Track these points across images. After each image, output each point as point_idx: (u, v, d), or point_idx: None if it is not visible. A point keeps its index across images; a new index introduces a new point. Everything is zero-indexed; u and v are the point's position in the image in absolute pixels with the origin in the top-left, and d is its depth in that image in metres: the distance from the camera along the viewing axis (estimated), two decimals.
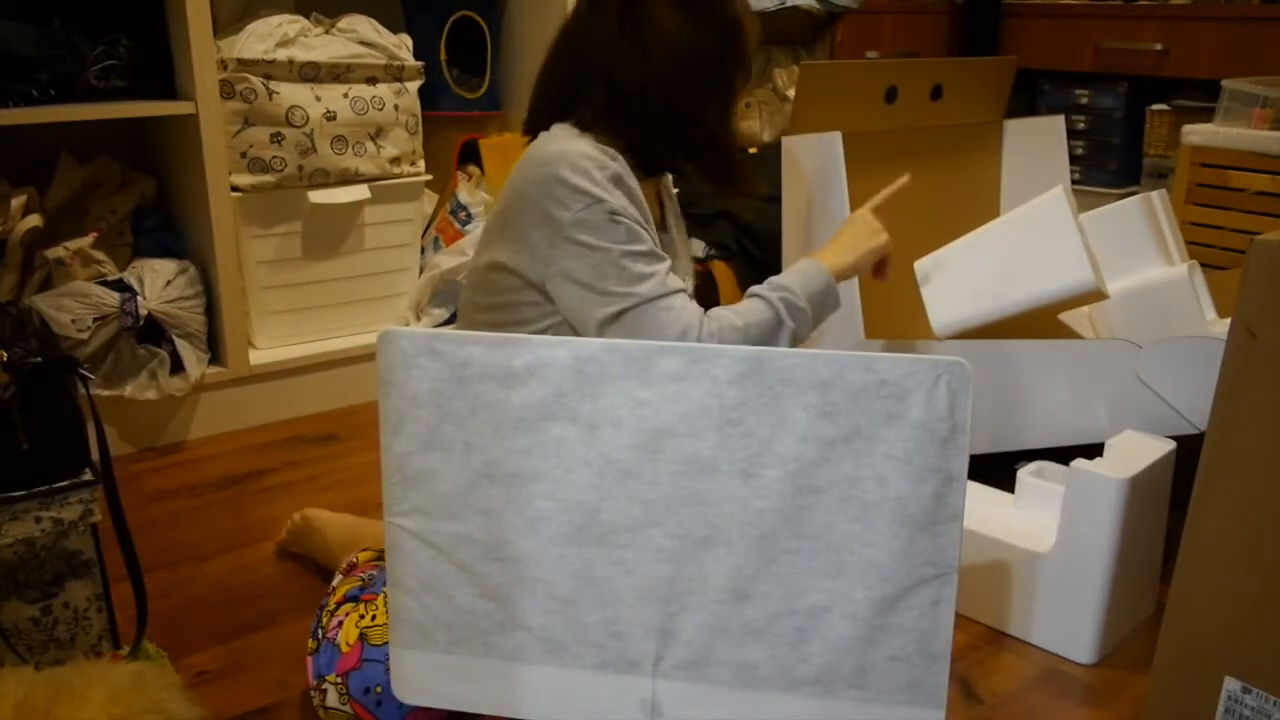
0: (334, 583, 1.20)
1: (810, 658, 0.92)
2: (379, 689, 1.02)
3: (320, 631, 1.11)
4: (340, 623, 1.10)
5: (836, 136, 1.54)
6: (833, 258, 1.23)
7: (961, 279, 1.50)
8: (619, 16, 1.15)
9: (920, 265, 1.54)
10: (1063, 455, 1.32)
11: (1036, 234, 1.44)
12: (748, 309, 1.15)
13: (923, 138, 1.83)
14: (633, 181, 1.13)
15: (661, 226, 1.29)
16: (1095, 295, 1.44)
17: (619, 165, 1.12)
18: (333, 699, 1.05)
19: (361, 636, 1.06)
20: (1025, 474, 1.36)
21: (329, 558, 1.39)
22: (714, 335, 1.10)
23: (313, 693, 1.08)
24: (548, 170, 1.10)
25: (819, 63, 1.85)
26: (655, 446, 0.90)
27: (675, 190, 1.38)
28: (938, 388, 0.85)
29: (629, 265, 1.09)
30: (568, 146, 1.11)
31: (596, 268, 1.09)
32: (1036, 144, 1.93)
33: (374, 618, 1.08)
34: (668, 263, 1.13)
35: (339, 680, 1.05)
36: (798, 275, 1.19)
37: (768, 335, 1.14)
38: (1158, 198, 1.66)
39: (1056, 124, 1.92)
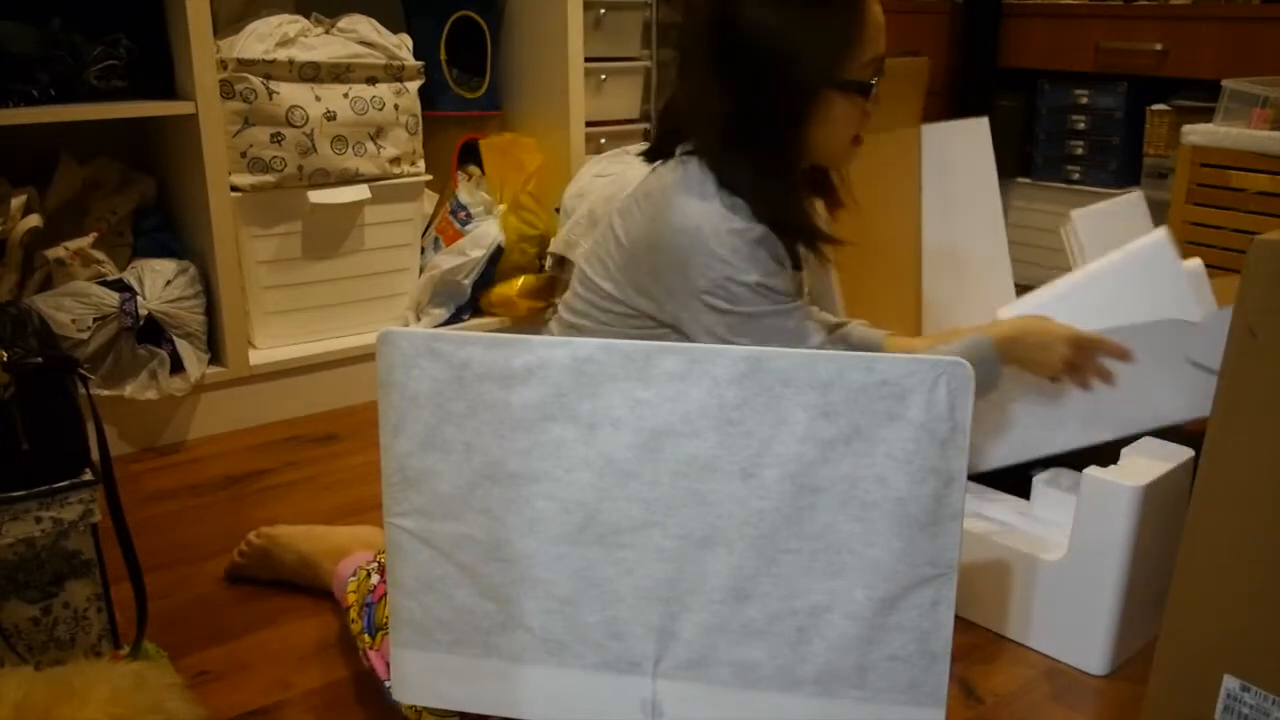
0: (371, 582, 1.18)
1: (810, 657, 0.92)
2: None
3: (384, 624, 1.09)
4: None
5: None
6: (1008, 345, 1.19)
7: None
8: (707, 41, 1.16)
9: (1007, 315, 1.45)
10: (1079, 463, 1.31)
11: (1143, 284, 1.37)
12: None
13: None
14: (771, 237, 1.14)
15: (796, 265, 1.27)
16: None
17: (757, 230, 1.13)
18: None
19: None
20: (1041, 481, 1.35)
21: (306, 571, 1.36)
22: None
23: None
24: (699, 235, 1.12)
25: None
26: (655, 446, 0.90)
27: None
28: (938, 388, 0.85)
29: (771, 322, 1.13)
30: (713, 214, 1.12)
31: (734, 327, 1.13)
32: (961, 148, 1.84)
33: None
34: (801, 305, 1.16)
35: None
36: (963, 345, 1.17)
37: None
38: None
39: (981, 126, 1.83)
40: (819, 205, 1.28)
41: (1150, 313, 1.33)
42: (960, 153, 1.83)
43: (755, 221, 1.14)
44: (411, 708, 1.05)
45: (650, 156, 1.26)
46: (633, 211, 1.21)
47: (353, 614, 1.18)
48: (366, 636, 1.13)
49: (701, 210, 1.13)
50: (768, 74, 1.12)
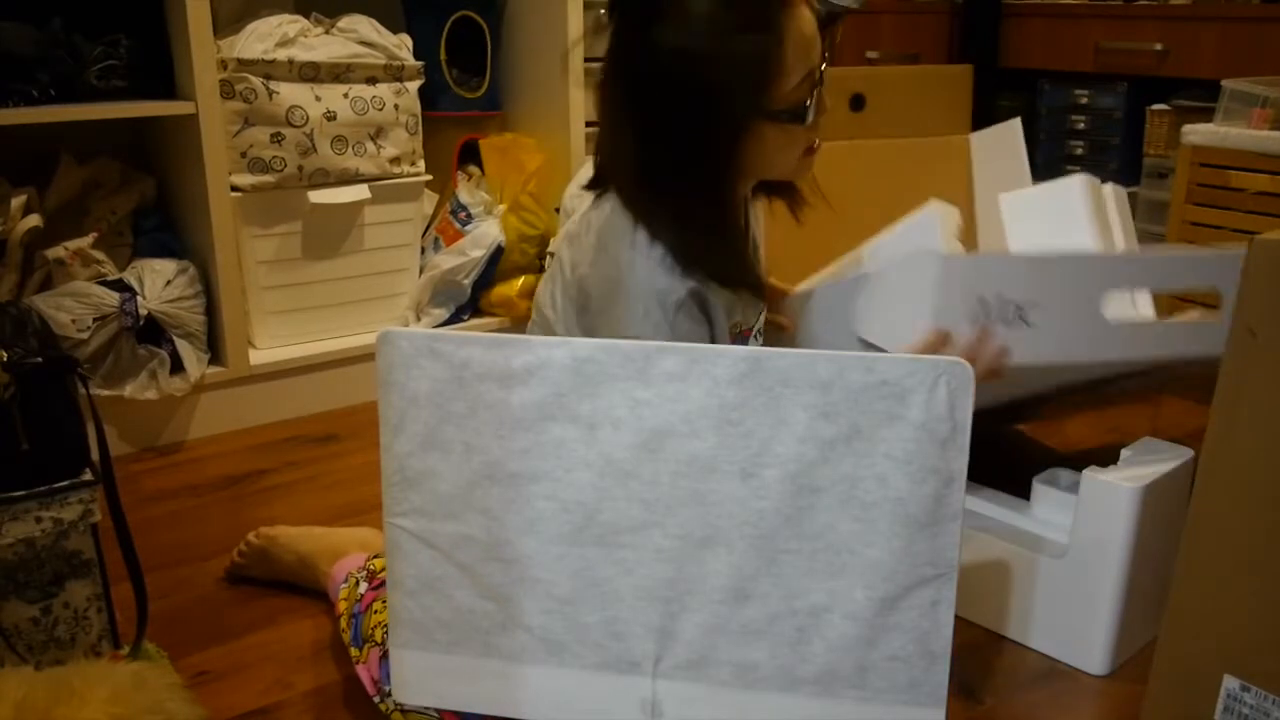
0: (359, 591, 1.18)
1: (810, 658, 0.92)
2: None
3: (370, 635, 1.10)
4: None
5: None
6: None
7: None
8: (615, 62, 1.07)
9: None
10: (1079, 463, 1.31)
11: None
12: None
13: (886, 150, 1.75)
14: (704, 293, 1.05)
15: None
16: None
17: (685, 286, 1.04)
18: None
19: None
20: (1041, 481, 1.34)
21: (305, 572, 1.36)
22: None
23: (383, 700, 1.06)
24: (621, 288, 1.04)
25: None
26: (655, 446, 0.90)
27: None
28: (938, 388, 0.85)
29: None
30: (639, 269, 1.03)
31: None
32: (999, 151, 1.82)
33: None
34: None
35: None
36: None
37: None
38: (1108, 188, 1.52)
39: (1013, 127, 1.80)
40: (785, 207, 1.20)
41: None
42: (995, 156, 1.84)
43: (684, 277, 1.04)
44: (399, 709, 1.05)
45: (593, 186, 1.16)
46: (575, 243, 1.14)
47: (343, 623, 1.18)
48: (354, 649, 1.13)
49: (628, 262, 1.04)
50: (686, 111, 1.00)
